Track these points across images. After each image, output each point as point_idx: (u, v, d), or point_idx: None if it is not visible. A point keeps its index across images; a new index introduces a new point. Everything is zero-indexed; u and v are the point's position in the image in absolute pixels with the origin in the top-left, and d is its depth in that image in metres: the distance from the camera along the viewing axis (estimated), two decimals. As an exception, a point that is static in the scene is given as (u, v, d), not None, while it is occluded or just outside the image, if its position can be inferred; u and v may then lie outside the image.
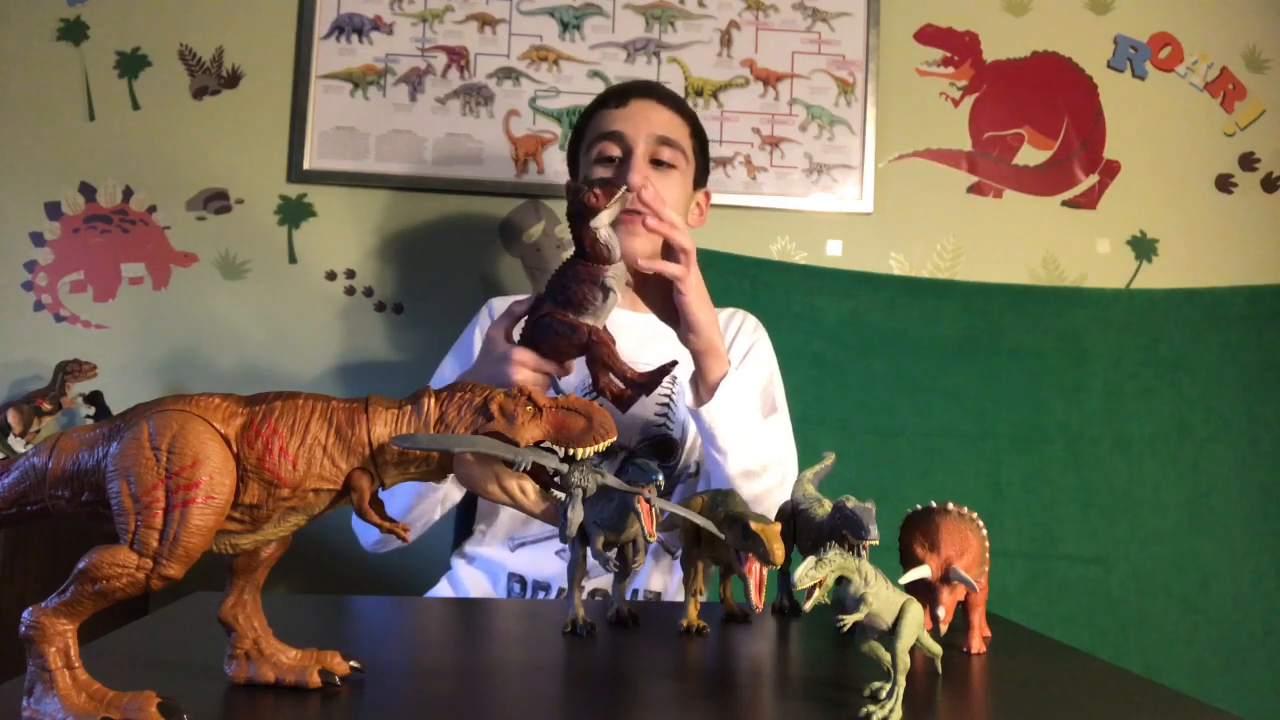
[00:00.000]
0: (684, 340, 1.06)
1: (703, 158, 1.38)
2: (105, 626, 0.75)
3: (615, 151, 1.28)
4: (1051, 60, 2.07)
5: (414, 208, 1.93)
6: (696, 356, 1.07)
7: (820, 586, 0.60)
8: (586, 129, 1.34)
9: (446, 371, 1.35)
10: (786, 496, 1.19)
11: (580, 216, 0.91)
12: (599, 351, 0.92)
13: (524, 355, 0.95)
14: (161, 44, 1.91)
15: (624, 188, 0.90)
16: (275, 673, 0.60)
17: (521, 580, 1.26)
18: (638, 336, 1.21)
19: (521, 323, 0.99)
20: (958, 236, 2.02)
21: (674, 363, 0.98)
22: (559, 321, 0.93)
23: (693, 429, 1.27)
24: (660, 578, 1.29)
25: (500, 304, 1.40)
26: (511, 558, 1.28)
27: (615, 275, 0.91)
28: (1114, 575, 1.83)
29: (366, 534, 1.27)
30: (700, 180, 1.39)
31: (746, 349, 1.36)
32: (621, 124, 1.29)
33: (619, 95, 1.33)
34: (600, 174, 1.28)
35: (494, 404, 0.59)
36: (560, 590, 1.24)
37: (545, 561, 1.27)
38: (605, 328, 0.94)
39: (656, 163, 1.28)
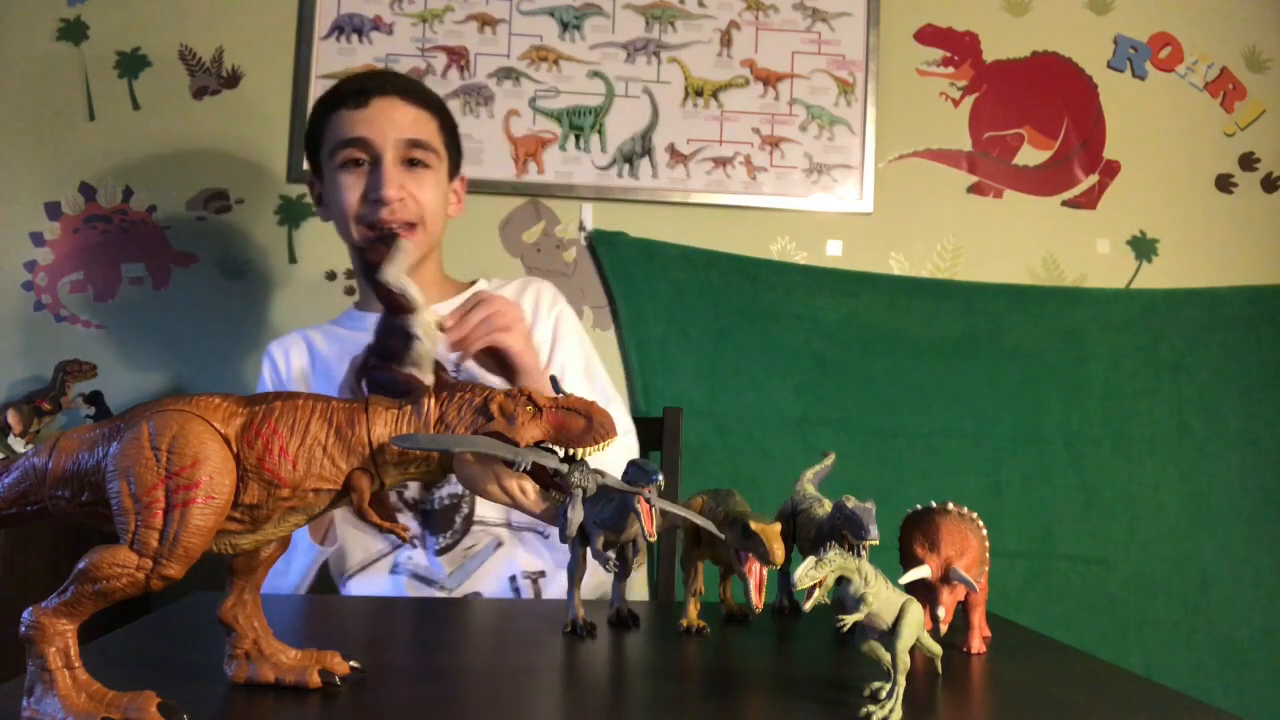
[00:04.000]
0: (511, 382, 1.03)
1: (454, 149, 1.31)
2: (105, 626, 0.75)
3: (362, 157, 1.21)
4: (1051, 60, 2.07)
5: (414, 208, 1.93)
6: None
7: (820, 586, 0.60)
8: (325, 130, 1.25)
9: None
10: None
11: (368, 272, 0.86)
12: None
13: None
14: (161, 44, 1.91)
15: (398, 243, 0.87)
16: (275, 673, 0.60)
17: None
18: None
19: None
20: (958, 236, 2.02)
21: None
22: (388, 375, 0.90)
23: None
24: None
25: (278, 350, 1.33)
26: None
27: (422, 322, 0.86)
28: (1114, 575, 1.84)
29: (288, 576, 1.20)
30: (454, 169, 1.32)
31: (553, 326, 1.31)
32: (365, 128, 1.21)
33: (358, 94, 1.22)
34: (348, 180, 1.22)
35: (494, 404, 0.59)
36: None
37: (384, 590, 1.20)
38: (444, 372, 0.88)
39: (410, 162, 1.22)
